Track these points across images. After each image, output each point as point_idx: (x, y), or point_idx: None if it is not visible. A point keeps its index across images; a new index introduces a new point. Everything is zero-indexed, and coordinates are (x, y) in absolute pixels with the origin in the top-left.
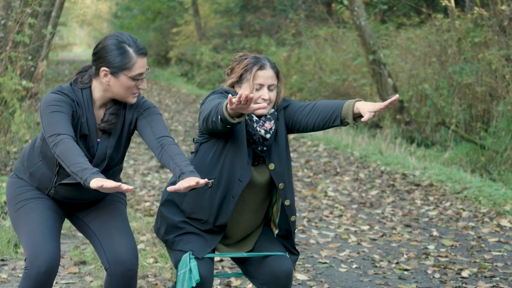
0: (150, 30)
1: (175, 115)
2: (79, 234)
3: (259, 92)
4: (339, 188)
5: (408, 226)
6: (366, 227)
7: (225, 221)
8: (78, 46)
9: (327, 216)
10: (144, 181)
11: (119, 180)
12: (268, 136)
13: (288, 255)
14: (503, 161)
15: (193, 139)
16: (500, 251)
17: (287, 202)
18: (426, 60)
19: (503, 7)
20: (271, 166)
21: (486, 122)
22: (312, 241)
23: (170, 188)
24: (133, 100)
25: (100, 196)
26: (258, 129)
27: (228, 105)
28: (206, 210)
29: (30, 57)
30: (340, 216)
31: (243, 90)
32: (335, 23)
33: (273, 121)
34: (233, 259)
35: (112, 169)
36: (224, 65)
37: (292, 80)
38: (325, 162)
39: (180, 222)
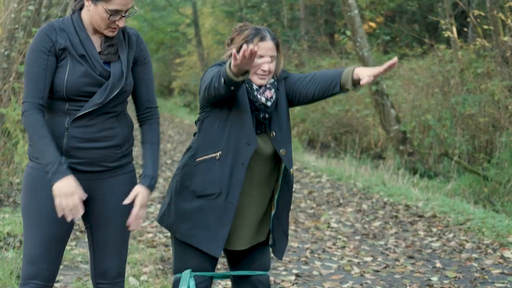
0: (153, 60)
1: (178, 146)
2: (82, 265)
3: (258, 61)
4: (342, 219)
5: (411, 257)
6: (369, 259)
7: (238, 192)
8: None
9: (330, 248)
10: (147, 212)
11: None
12: (269, 104)
13: (275, 247)
14: (506, 192)
15: (195, 121)
16: (503, 283)
17: (292, 171)
18: (429, 91)
19: (506, 38)
20: (272, 134)
21: (489, 153)
22: (315, 272)
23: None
24: (109, 33)
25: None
26: (259, 96)
27: (232, 62)
28: (217, 182)
29: None
30: (343, 247)
31: None
32: (338, 53)
33: (273, 90)
34: (228, 260)
35: (124, 97)
36: None
37: (295, 111)
38: (328, 193)
39: (192, 211)
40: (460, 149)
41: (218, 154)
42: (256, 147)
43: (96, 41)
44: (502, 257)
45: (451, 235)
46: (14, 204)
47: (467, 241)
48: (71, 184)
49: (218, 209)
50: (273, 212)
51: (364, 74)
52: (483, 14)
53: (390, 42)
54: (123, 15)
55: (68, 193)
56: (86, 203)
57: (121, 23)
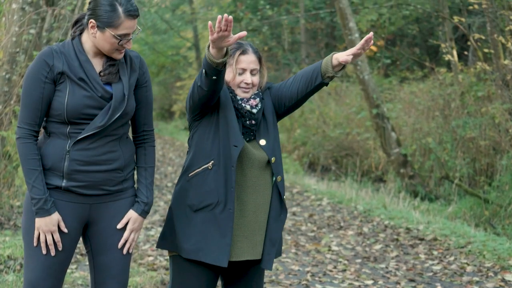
0: (154, 84)
1: (179, 169)
2: None
3: (241, 76)
4: (343, 243)
5: (412, 280)
6: (370, 282)
7: (233, 197)
8: None
9: (330, 271)
10: (147, 235)
11: (128, 157)
12: (255, 111)
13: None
14: (507, 215)
15: (187, 141)
16: None
17: (279, 178)
18: (430, 114)
19: (506, 62)
20: (262, 142)
21: (490, 176)
22: None
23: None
24: (118, 56)
25: (116, 174)
26: (244, 104)
27: (210, 38)
28: (214, 192)
29: None
30: (344, 270)
31: (227, 75)
32: (338, 77)
33: (258, 99)
34: (224, 282)
35: (126, 119)
36: None
37: (295, 134)
38: (329, 216)
39: (193, 226)
40: (461, 172)
41: (210, 164)
42: (242, 145)
43: (97, 63)
44: (503, 280)
45: (452, 258)
46: (15, 227)
47: (468, 264)
48: (53, 223)
49: (218, 219)
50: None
51: (343, 54)
52: (483, 37)
53: (390, 66)
54: (130, 37)
55: (48, 231)
56: (86, 226)
57: (129, 45)
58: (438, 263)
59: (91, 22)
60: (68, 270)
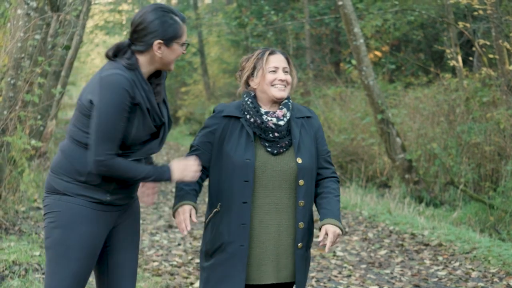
0: None
1: None
2: None
3: (274, 74)
4: (348, 248)
5: (417, 286)
6: (375, 287)
7: (246, 233)
8: None
9: (335, 276)
10: (152, 240)
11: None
12: (281, 122)
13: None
14: None
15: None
16: None
17: (301, 203)
18: (435, 120)
19: (511, 67)
20: (299, 160)
21: (495, 181)
22: None
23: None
24: (173, 67)
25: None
26: (269, 118)
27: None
28: (224, 231)
29: (39, 117)
30: (349, 276)
31: (258, 79)
32: (343, 82)
33: (284, 109)
34: None
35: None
36: None
37: None
38: None
39: (209, 271)
40: (466, 177)
41: (218, 206)
42: (254, 158)
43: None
44: (508, 285)
45: (457, 264)
46: (20, 233)
47: (473, 270)
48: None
49: (232, 257)
50: (299, 245)
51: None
52: (488, 43)
53: (395, 71)
54: (188, 42)
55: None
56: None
57: (184, 50)
58: (443, 269)
59: (157, 43)
60: None
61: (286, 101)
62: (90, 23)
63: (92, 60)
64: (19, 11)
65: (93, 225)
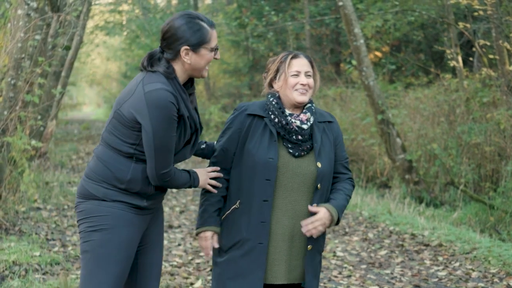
0: None
1: None
2: None
3: (296, 78)
4: (348, 248)
5: (417, 286)
6: (375, 287)
7: (266, 230)
8: (87, 106)
9: (336, 277)
10: None
11: None
12: (305, 126)
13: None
14: None
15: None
16: None
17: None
18: (435, 120)
19: (511, 68)
20: (319, 164)
21: (495, 182)
22: None
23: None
24: (206, 73)
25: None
26: (293, 120)
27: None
28: (242, 228)
29: (39, 117)
30: (349, 276)
31: (281, 83)
32: (343, 83)
33: (308, 113)
34: None
35: None
36: None
37: None
38: None
39: (224, 266)
40: (466, 178)
41: (237, 203)
42: (277, 159)
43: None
44: (508, 286)
45: (457, 264)
46: (20, 233)
47: (473, 270)
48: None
49: (249, 254)
50: (309, 247)
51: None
52: (488, 43)
53: (395, 72)
54: (217, 47)
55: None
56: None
57: (218, 55)
58: (443, 269)
59: (184, 49)
60: (73, 276)
61: (310, 105)
62: (90, 24)
63: (93, 60)
64: (19, 12)
65: (133, 228)
